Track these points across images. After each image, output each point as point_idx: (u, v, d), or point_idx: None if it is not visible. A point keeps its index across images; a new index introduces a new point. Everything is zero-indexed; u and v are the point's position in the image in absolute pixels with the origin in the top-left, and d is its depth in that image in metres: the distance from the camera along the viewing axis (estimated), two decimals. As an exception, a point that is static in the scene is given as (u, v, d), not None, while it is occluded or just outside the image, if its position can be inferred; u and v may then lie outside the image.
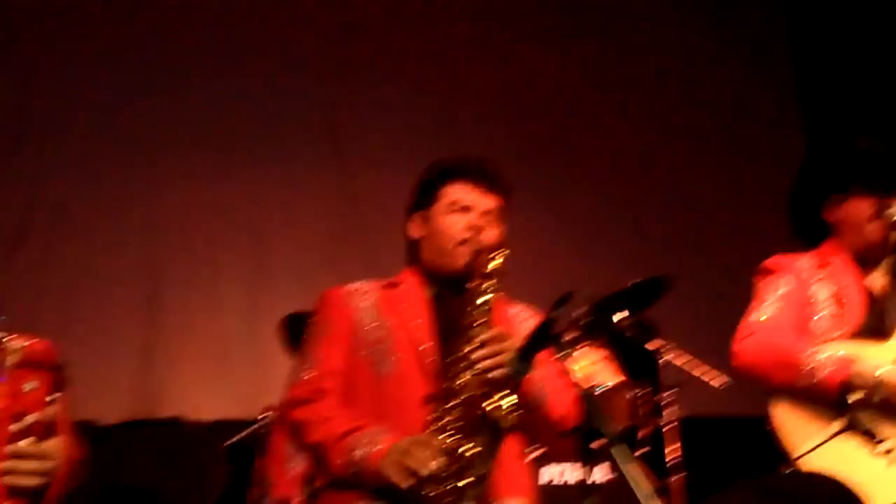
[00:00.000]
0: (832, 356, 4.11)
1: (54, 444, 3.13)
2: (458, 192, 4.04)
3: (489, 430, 3.68)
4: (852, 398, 4.08)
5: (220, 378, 7.19)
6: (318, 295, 4.15)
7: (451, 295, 3.98)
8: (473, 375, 3.72)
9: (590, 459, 3.50)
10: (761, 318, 4.33)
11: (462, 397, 3.73)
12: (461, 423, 3.70)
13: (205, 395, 7.15)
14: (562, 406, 3.86)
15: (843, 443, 4.09)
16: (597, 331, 6.27)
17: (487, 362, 3.68)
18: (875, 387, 4.06)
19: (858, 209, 4.39)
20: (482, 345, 3.72)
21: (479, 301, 3.84)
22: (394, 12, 8.12)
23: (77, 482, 3.30)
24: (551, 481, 5.43)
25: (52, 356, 3.19)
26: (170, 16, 7.61)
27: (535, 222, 7.37)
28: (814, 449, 4.06)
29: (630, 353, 6.62)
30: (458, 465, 3.63)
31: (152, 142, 7.41)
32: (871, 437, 4.06)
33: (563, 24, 8.48)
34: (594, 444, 3.43)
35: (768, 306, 4.35)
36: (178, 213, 7.36)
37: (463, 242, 3.94)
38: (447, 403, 3.74)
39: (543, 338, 3.50)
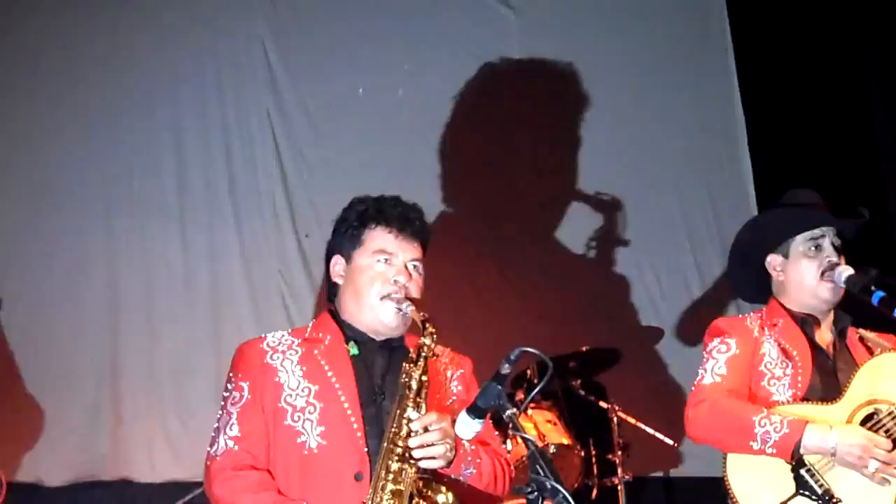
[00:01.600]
0: (784, 419, 4.12)
1: None
2: (381, 240, 3.89)
3: None
4: (810, 461, 4.12)
5: (170, 439, 7.09)
6: (236, 353, 3.92)
7: (374, 351, 3.86)
8: (408, 466, 3.57)
9: None
10: (714, 381, 4.33)
11: (396, 487, 3.55)
12: None
13: (155, 456, 7.05)
14: (488, 476, 3.78)
15: None
16: (548, 390, 6.32)
17: (423, 453, 3.57)
18: (828, 449, 4.08)
19: (802, 268, 4.43)
20: (416, 434, 3.58)
21: (416, 374, 3.67)
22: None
23: None
24: None
25: None
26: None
27: (491, 282, 7.40)
28: None
29: (582, 414, 6.69)
30: None
31: (106, 194, 7.37)
32: (827, 498, 4.08)
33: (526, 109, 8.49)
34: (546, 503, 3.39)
35: (720, 368, 4.35)
36: (136, 277, 7.29)
37: (386, 297, 3.80)
38: (378, 492, 3.55)
39: (491, 396, 3.40)
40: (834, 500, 4.06)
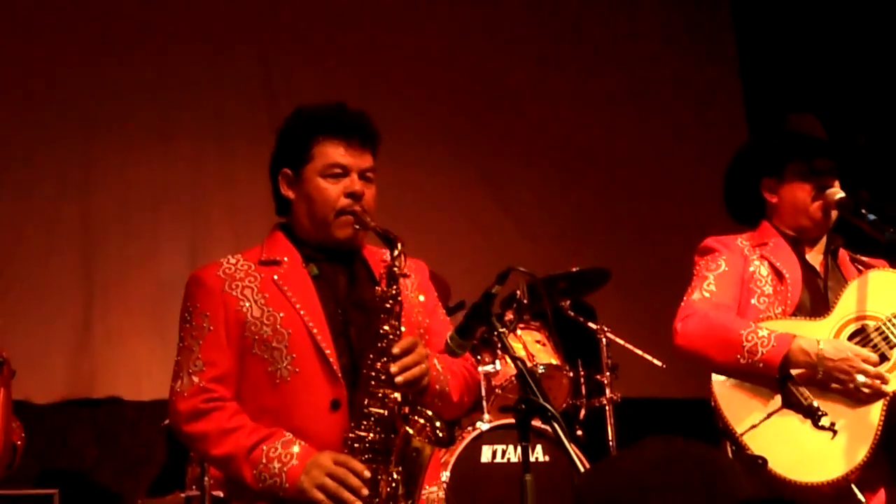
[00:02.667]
0: (772, 333, 4.17)
1: None
2: (332, 153, 3.71)
3: (412, 458, 3.53)
4: (794, 374, 4.16)
5: (158, 358, 7.02)
6: (191, 280, 3.77)
7: (335, 268, 3.76)
8: (388, 389, 3.52)
9: (529, 439, 3.46)
10: (703, 295, 4.37)
11: (378, 414, 3.53)
12: (380, 444, 3.52)
13: (142, 375, 7.12)
14: (459, 388, 3.76)
15: (785, 418, 4.16)
16: (537, 311, 6.33)
17: (404, 377, 3.50)
18: (816, 362, 4.13)
19: (796, 191, 4.46)
20: (397, 358, 3.51)
21: (387, 305, 3.58)
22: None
23: (10, 462, 3.32)
24: (493, 459, 5.47)
25: None
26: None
27: (481, 203, 7.45)
28: (756, 425, 4.14)
29: (569, 334, 6.70)
30: (382, 495, 3.50)
31: (90, 114, 7.35)
32: (813, 411, 4.11)
33: (519, 24, 8.51)
34: (534, 422, 3.39)
35: (709, 284, 4.40)
36: (115, 190, 7.33)
37: (342, 211, 3.66)
38: (362, 420, 3.52)
39: (482, 316, 3.46)
40: (820, 413, 4.09)
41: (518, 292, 6.12)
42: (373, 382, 3.52)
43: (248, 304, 3.62)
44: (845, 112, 7.48)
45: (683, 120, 8.59)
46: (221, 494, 5.84)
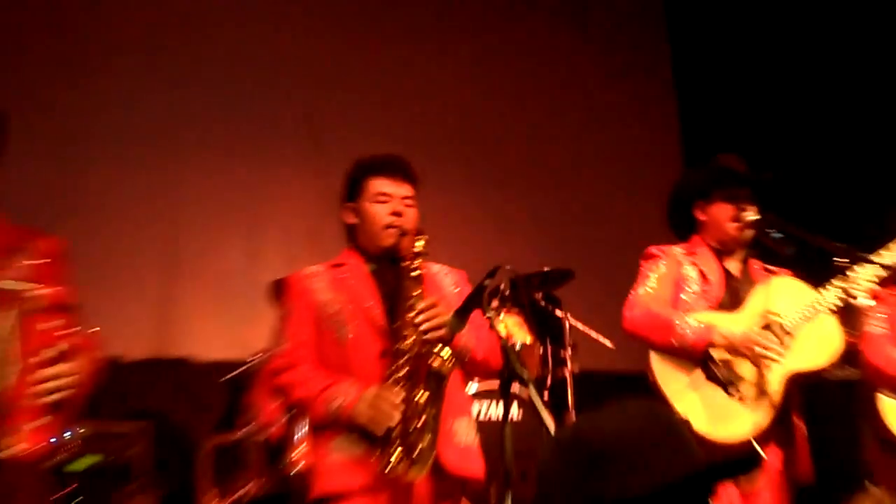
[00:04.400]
0: (699, 323, 4.25)
1: (70, 367, 3.20)
2: (378, 185, 4.05)
3: (434, 379, 3.74)
4: (715, 355, 4.21)
5: (220, 323, 7.19)
6: (284, 283, 4.18)
7: (386, 267, 4.02)
8: (417, 336, 3.78)
9: (509, 399, 3.55)
10: (646, 291, 4.44)
11: (410, 354, 3.79)
12: (411, 375, 3.76)
13: (210, 339, 7.14)
14: (484, 351, 3.90)
15: (705, 389, 4.22)
16: (516, 299, 6.38)
17: (428, 325, 3.75)
18: (730, 346, 4.20)
19: (720, 212, 4.50)
20: (421, 312, 3.78)
21: (412, 275, 3.90)
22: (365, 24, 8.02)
23: (90, 390, 3.38)
24: (478, 417, 5.46)
25: (64, 300, 3.28)
26: (171, 32, 7.42)
27: (467, 213, 7.43)
28: (682, 393, 4.21)
29: (540, 319, 6.75)
30: (413, 409, 3.70)
31: (177, 137, 7.27)
32: (726, 384, 4.18)
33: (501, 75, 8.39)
34: (513, 387, 3.47)
35: (651, 282, 4.46)
36: (193, 194, 7.31)
37: (388, 226, 3.98)
38: (398, 360, 3.78)
39: (476, 301, 3.56)
40: (731, 386, 4.17)
41: (502, 286, 6.19)
42: (405, 331, 3.79)
43: (322, 294, 3.98)
44: (766, 145, 7.44)
45: (628, 151, 8.48)
46: (266, 433, 5.94)
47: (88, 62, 7.12)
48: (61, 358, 3.20)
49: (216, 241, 7.30)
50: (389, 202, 4.01)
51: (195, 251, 7.22)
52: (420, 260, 3.93)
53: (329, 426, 3.84)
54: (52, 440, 3.22)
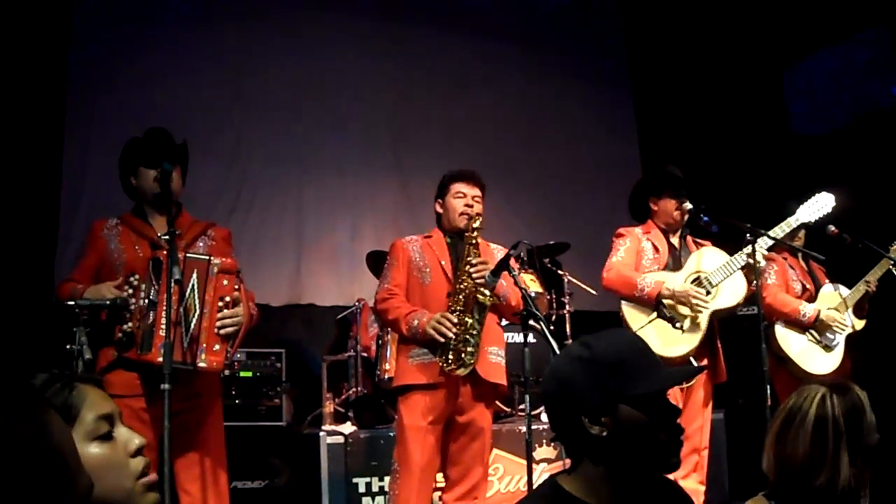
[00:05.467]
0: (652, 279, 4.36)
1: (239, 310, 3.42)
2: (458, 187, 4.18)
3: (479, 309, 3.93)
4: (665, 300, 4.33)
5: (334, 280, 7.13)
6: (391, 243, 4.26)
7: (458, 240, 4.12)
8: (470, 281, 3.93)
9: (527, 330, 3.69)
10: (617, 259, 4.52)
11: (464, 293, 3.94)
12: (465, 306, 3.93)
13: (327, 289, 7.10)
14: (514, 299, 4.02)
15: (657, 323, 4.33)
16: (531, 263, 6.45)
17: (477, 273, 3.90)
18: (674, 294, 4.31)
19: (667, 204, 4.59)
20: (473, 266, 3.93)
21: (471, 243, 4.02)
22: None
23: (249, 328, 3.54)
24: (507, 341, 5.39)
25: (233, 266, 3.44)
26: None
27: (503, 206, 7.09)
28: (643, 326, 4.31)
29: (547, 276, 6.81)
30: (464, 327, 3.89)
31: (305, 147, 7.18)
32: (673, 320, 4.29)
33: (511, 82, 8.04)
34: (530, 322, 3.62)
35: (620, 253, 4.54)
36: (315, 196, 7.18)
37: (461, 214, 4.14)
38: (458, 296, 3.95)
39: (505, 265, 3.73)
40: (675, 321, 4.28)
41: (522, 253, 6.25)
42: (462, 277, 3.92)
43: (415, 254, 4.09)
44: (701, 153, 7.40)
45: (604, 161, 8.14)
46: (364, 354, 5.96)
47: (250, 109, 7.05)
48: (232, 304, 3.42)
49: (330, 227, 7.18)
50: (464, 198, 4.16)
51: (316, 234, 7.12)
52: (477, 234, 4.05)
53: (409, 340, 4.00)
54: (227, 360, 3.42)
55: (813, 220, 4.74)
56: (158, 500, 1.43)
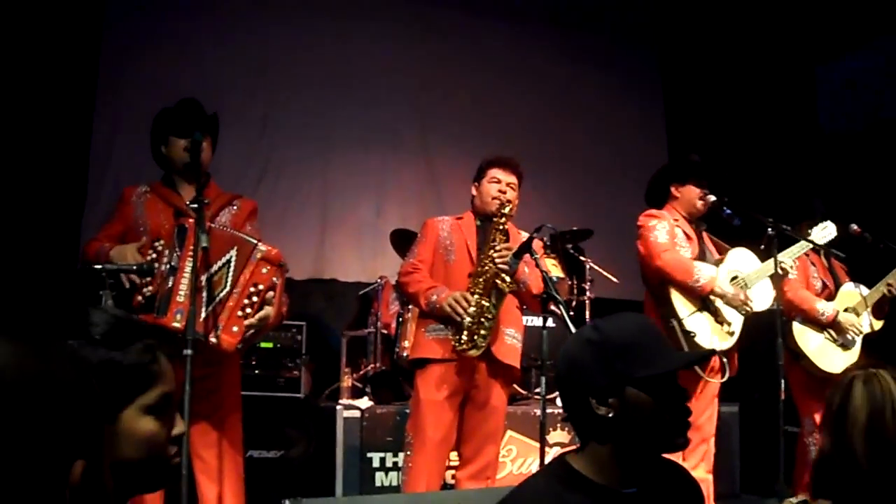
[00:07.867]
0: (707, 273, 4.32)
1: (266, 311, 3.35)
2: (494, 173, 4.21)
3: (498, 293, 3.95)
4: (714, 296, 4.32)
5: (357, 256, 7.16)
6: (422, 222, 4.30)
7: (488, 223, 4.13)
8: (492, 266, 3.95)
9: (547, 313, 3.70)
10: (662, 241, 4.38)
11: (485, 276, 3.96)
12: (484, 288, 3.95)
13: (349, 265, 7.14)
14: (534, 284, 4.04)
15: (702, 314, 4.32)
16: (554, 248, 6.46)
17: (499, 259, 3.91)
18: (723, 294, 4.32)
19: (691, 192, 4.56)
20: (497, 251, 3.94)
21: (499, 228, 4.05)
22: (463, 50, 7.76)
23: (283, 317, 3.52)
24: (527, 324, 5.42)
25: (279, 258, 3.40)
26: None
27: (527, 190, 6.94)
28: (690, 315, 4.28)
29: (569, 261, 6.79)
30: (481, 309, 3.92)
31: (331, 131, 7.22)
32: (718, 313, 4.31)
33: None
34: (550, 305, 3.63)
35: (662, 235, 4.40)
36: (342, 174, 7.21)
37: (495, 198, 4.14)
38: (478, 278, 3.97)
39: (527, 247, 3.76)
40: (720, 313, 4.30)
41: (545, 238, 6.22)
42: (485, 261, 3.94)
43: (444, 233, 4.14)
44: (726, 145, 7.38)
45: (631, 151, 8.08)
46: (384, 331, 5.99)
47: (278, 85, 7.09)
48: (264, 293, 3.33)
49: (355, 204, 7.21)
50: (498, 184, 4.18)
51: (341, 210, 7.16)
52: (506, 220, 4.07)
53: (427, 315, 4.04)
54: (239, 346, 3.32)
55: (821, 245, 4.82)
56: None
